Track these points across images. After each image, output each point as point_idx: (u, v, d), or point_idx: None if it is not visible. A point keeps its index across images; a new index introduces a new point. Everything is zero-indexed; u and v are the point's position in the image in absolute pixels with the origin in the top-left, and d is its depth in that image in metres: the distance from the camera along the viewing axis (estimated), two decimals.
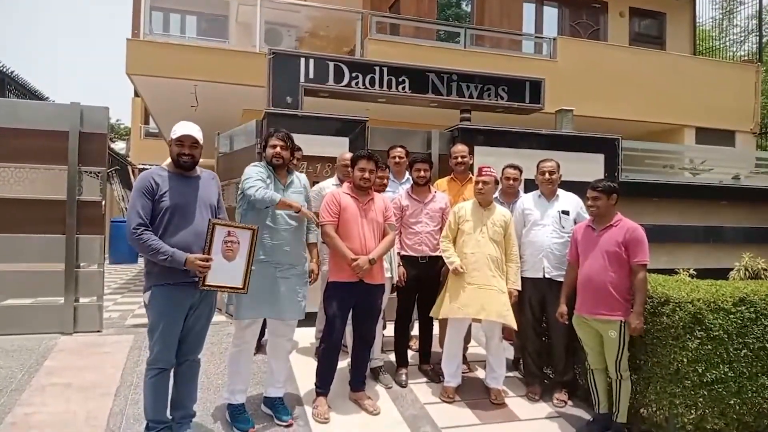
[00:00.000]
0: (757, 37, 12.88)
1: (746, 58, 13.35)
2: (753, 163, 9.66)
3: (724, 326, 3.44)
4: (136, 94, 18.06)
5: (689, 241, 7.42)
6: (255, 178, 3.43)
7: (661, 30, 13.34)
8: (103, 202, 5.27)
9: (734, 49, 14.19)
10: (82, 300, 5.24)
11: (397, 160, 4.76)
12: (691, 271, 5.11)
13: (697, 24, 13.68)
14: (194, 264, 2.91)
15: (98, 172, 5.27)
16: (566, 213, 4.26)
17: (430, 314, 4.24)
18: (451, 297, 4.01)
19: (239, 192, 3.50)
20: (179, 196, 3.02)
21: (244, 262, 3.09)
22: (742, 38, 13.84)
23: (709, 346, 3.42)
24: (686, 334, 3.43)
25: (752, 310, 3.50)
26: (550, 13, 12.41)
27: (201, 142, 3.11)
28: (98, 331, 5.19)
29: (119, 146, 21.96)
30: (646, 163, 8.03)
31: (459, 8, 11.88)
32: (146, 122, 20.94)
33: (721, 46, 14.33)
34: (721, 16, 14.92)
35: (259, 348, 4.32)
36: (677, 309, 3.45)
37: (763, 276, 5.68)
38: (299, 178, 3.73)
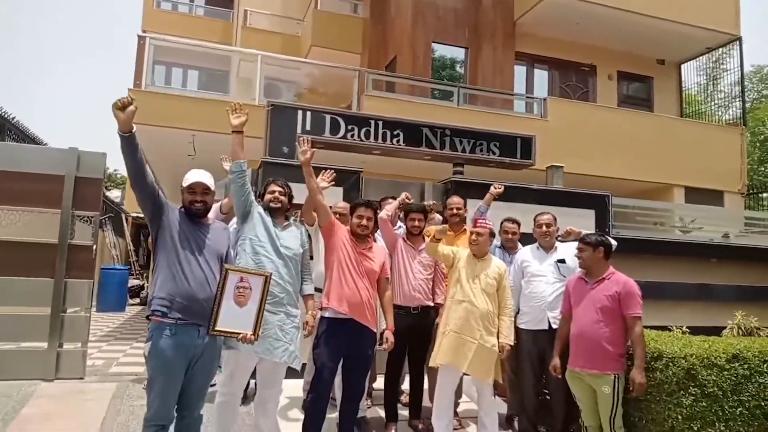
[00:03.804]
0: (740, 102, 13.26)
1: (731, 121, 13.72)
2: (742, 223, 9.78)
3: (718, 383, 3.41)
4: None
5: (681, 299, 7.40)
6: None
7: (648, 93, 13.79)
8: (95, 247, 5.25)
9: (720, 113, 14.60)
10: (66, 346, 5.13)
11: None
12: (684, 329, 5.07)
13: (683, 88, 14.19)
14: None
15: (91, 217, 5.27)
16: (562, 261, 4.29)
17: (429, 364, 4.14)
18: (438, 345, 3.96)
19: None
20: (188, 239, 2.98)
21: (255, 308, 3.05)
22: (727, 103, 14.25)
23: (704, 403, 3.37)
24: (680, 390, 3.39)
25: (746, 366, 3.47)
26: (541, 75, 12.87)
27: (213, 188, 3.11)
28: (80, 378, 5.06)
29: (114, 194, 22.04)
30: (636, 220, 8.11)
31: (453, 69, 12.29)
32: None
33: (707, 109, 14.76)
34: (706, 82, 15.41)
35: (245, 399, 4.19)
36: (670, 364, 3.43)
37: (756, 334, 5.63)
38: (297, 225, 3.74)
